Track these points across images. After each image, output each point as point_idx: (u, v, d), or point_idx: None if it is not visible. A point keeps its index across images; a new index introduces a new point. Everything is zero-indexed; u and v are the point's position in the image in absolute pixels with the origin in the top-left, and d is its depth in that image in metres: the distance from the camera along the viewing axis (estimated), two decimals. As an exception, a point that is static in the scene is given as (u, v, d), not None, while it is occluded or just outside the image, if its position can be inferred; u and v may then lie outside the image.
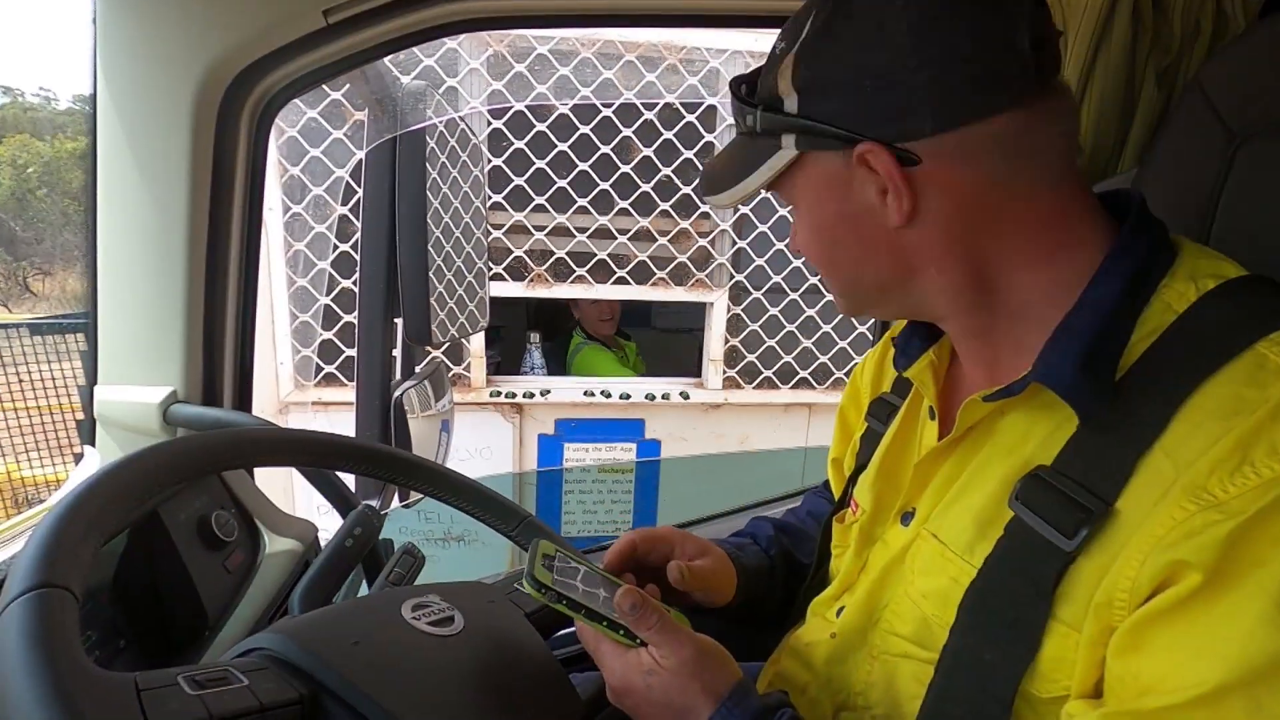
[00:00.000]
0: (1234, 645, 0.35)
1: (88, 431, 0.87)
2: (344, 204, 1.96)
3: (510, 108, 2.06)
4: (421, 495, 1.16)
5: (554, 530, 0.71)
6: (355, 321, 2.07)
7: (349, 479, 0.97)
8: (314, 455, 0.59)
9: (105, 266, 0.83)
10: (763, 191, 0.53)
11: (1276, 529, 0.36)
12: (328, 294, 2.04)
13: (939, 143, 0.43)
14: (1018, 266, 0.47)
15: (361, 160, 1.05)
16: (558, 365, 2.64)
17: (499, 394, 2.28)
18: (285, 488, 1.80)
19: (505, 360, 2.87)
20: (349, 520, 0.69)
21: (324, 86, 1.88)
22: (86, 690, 0.29)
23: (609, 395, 2.34)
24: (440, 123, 1.07)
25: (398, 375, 1.20)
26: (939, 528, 0.50)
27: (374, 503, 0.93)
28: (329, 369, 2.14)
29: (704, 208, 2.25)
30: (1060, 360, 0.44)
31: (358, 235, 1.10)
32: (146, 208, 0.80)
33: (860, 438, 0.67)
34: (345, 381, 2.13)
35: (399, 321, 1.16)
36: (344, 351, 2.11)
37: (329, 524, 0.94)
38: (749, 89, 0.51)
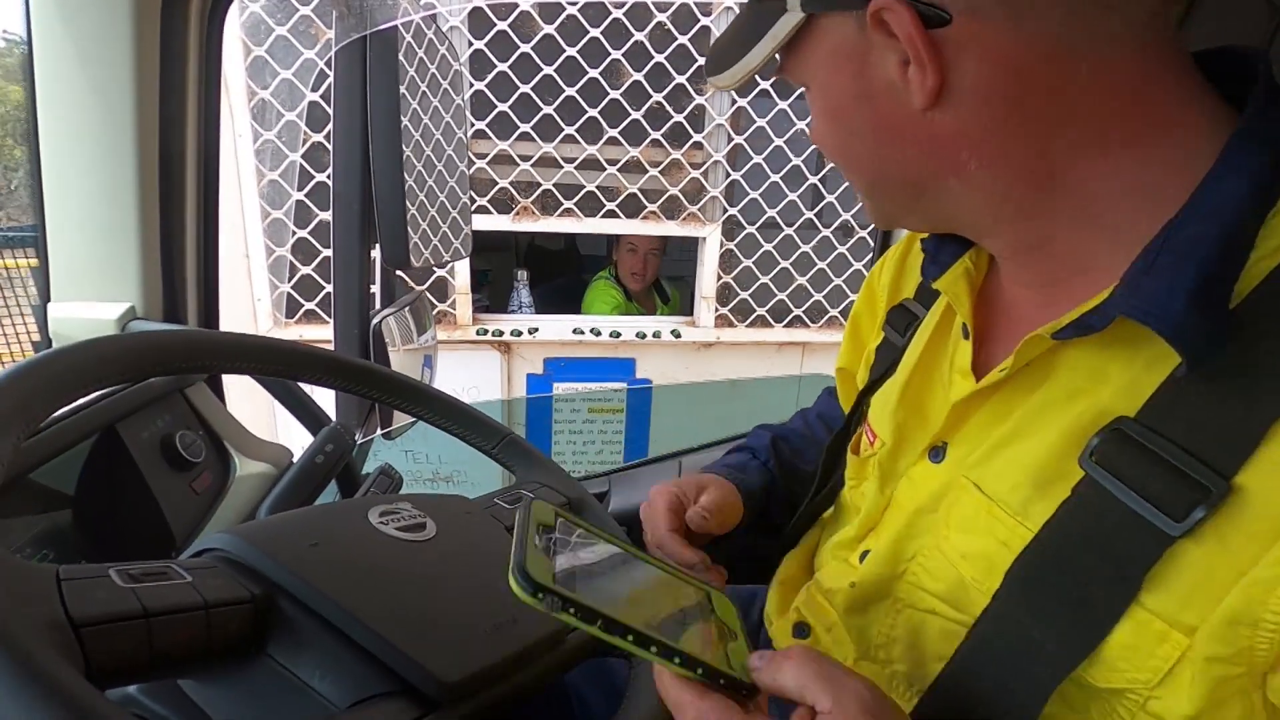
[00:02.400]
0: None
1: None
2: (317, 131, 1.87)
3: (493, 26, 1.94)
4: (404, 426, 1.13)
5: (539, 450, 0.67)
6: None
7: (325, 404, 0.94)
8: (281, 365, 0.54)
9: (51, 176, 0.77)
10: (762, 76, 0.45)
11: None
12: (304, 227, 1.96)
13: None
14: (1086, 154, 0.37)
15: (332, 79, 0.98)
16: (547, 306, 2.59)
17: (485, 332, 2.23)
18: (269, 424, 1.76)
19: (493, 305, 2.81)
20: (320, 436, 0.66)
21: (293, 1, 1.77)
22: None
23: (598, 333, 2.29)
24: (413, 35, 1.00)
25: (378, 306, 1.16)
26: (982, 477, 0.42)
27: (357, 435, 0.89)
28: (309, 305, 2.08)
29: (696, 137, 2.17)
30: (1165, 290, 0.34)
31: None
32: (91, 110, 0.74)
33: (875, 348, 0.61)
34: (325, 318, 2.07)
35: (377, 256, 1.11)
36: (323, 287, 2.05)
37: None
38: None
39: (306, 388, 0.89)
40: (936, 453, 0.47)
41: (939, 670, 0.42)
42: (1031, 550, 0.38)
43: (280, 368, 0.52)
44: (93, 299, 0.78)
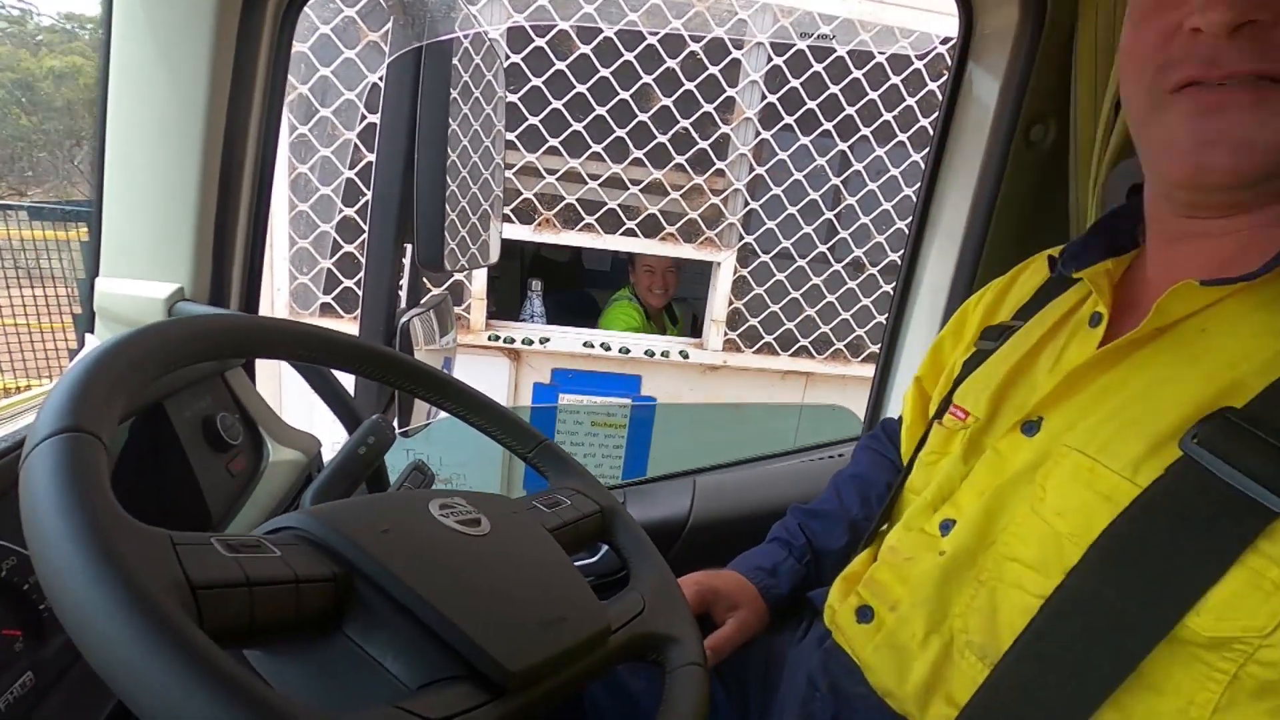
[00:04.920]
0: None
1: (85, 323, 0.84)
2: (350, 128, 1.90)
3: (531, 42, 1.99)
4: (419, 426, 1.14)
5: (571, 456, 0.69)
6: (356, 252, 2.03)
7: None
8: (352, 360, 0.56)
9: (114, 158, 0.79)
10: None
11: None
12: (329, 221, 1.99)
13: None
14: None
15: (374, 84, 1.01)
16: (557, 317, 2.61)
17: (497, 338, 2.25)
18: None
19: (499, 310, 2.83)
20: (364, 428, 0.68)
21: (339, 2, 1.81)
22: (122, 533, 0.28)
23: (608, 348, 2.32)
24: (466, 38, 1.03)
25: (403, 305, 1.18)
26: (1088, 443, 0.43)
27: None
28: (325, 299, 2.10)
29: (719, 165, 2.21)
30: None
31: (365, 163, 1.06)
32: (164, 103, 0.76)
33: (965, 361, 0.63)
34: (342, 313, 2.09)
35: (407, 249, 1.13)
36: (342, 281, 2.07)
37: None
38: None
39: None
40: (1030, 426, 0.48)
41: (1013, 640, 0.43)
42: (1137, 507, 0.39)
43: (355, 364, 0.54)
44: (143, 277, 0.80)
